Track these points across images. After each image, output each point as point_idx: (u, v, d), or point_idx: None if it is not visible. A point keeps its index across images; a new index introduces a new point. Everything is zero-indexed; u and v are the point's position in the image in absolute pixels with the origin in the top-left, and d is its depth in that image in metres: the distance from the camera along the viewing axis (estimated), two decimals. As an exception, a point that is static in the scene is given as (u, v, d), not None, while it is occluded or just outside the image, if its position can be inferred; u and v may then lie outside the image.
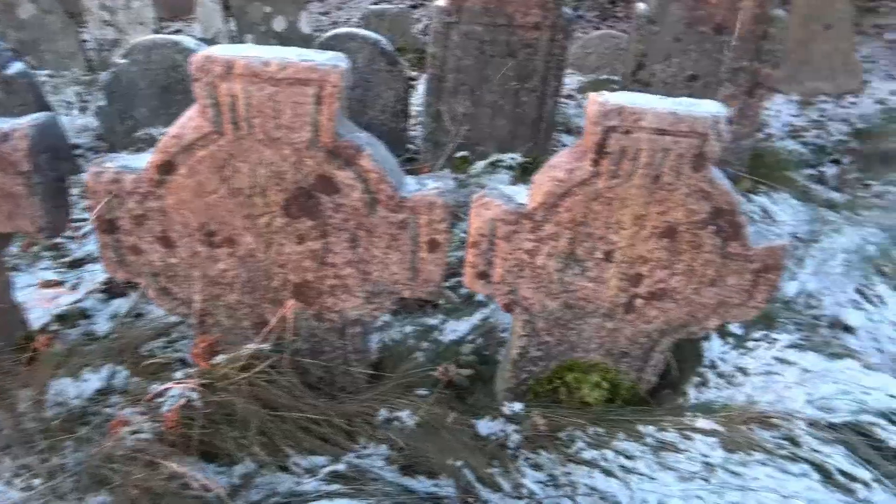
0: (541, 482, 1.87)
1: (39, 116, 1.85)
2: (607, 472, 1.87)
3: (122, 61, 3.77)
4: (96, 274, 2.71)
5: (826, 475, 1.78)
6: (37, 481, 1.69)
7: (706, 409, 2.06)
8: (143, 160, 1.73)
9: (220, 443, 1.79)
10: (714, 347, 2.34)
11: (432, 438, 1.92)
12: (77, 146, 4.04)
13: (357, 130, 1.74)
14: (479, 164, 3.79)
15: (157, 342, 2.28)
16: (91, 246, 2.93)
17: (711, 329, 2.07)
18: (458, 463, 1.85)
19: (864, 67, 6.62)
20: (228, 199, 1.76)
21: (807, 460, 1.82)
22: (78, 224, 3.02)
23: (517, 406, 2.09)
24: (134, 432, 1.71)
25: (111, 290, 2.61)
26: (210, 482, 1.60)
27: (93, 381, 2.03)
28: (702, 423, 1.96)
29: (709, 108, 1.64)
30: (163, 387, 1.79)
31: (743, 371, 2.21)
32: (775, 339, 2.32)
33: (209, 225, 1.81)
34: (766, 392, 2.08)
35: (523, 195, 1.85)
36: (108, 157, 1.79)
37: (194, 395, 1.75)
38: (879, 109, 5.72)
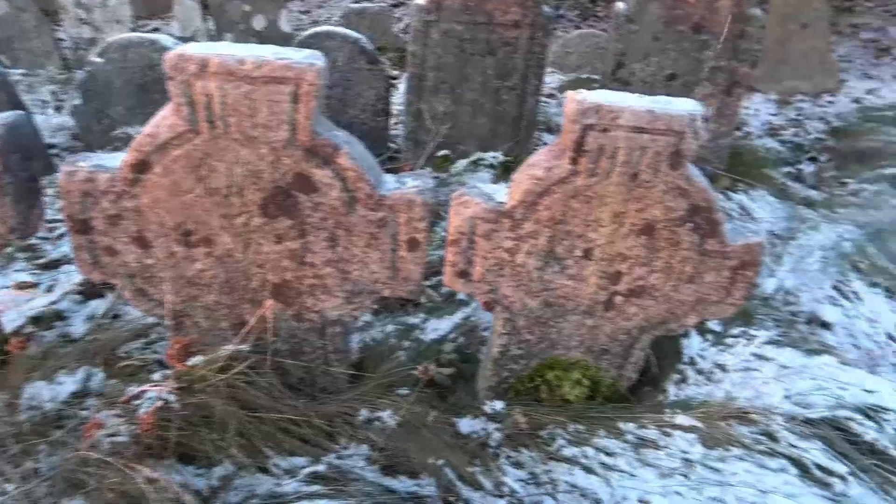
0: (522, 480, 1.87)
1: (10, 115, 1.82)
2: (588, 470, 1.88)
3: (98, 60, 3.72)
4: (72, 275, 2.67)
5: (803, 470, 1.80)
6: (10, 486, 1.67)
7: (685, 406, 2.07)
8: (118, 159, 1.70)
9: (198, 445, 1.77)
10: (693, 344, 2.36)
11: (413, 438, 1.92)
12: (52, 146, 3.98)
13: (335, 129, 1.73)
14: (461, 163, 3.77)
15: (134, 344, 2.25)
16: (66, 247, 2.89)
17: (690, 326, 2.08)
18: (440, 462, 1.85)
19: (840, 66, 6.72)
20: (205, 199, 1.74)
21: (784, 455, 1.83)
22: (52, 225, 2.98)
23: (498, 404, 2.09)
24: (110, 435, 1.68)
25: (87, 292, 2.56)
26: (182, 490, 1.58)
27: (68, 383, 2.00)
28: (681, 419, 1.98)
29: (685, 107, 1.65)
30: (139, 389, 1.77)
31: (722, 367, 2.23)
32: (753, 336, 2.34)
33: (185, 225, 1.78)
34: (744, 388, 2.10)
35: (503, 193, 1.85)
36: (82, 156, 1.76)
37: (171, 398, 1.73)
38: (856, 108, 5.81)
